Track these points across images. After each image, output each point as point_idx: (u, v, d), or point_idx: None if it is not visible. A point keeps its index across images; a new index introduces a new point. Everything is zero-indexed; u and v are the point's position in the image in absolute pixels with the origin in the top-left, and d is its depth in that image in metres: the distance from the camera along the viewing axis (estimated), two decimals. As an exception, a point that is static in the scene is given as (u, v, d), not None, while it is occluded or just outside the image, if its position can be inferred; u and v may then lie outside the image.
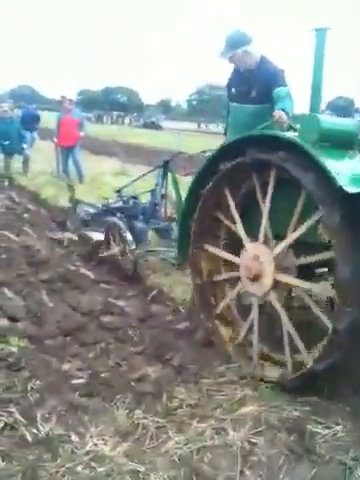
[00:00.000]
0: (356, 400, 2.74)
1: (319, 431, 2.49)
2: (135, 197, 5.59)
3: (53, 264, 4.81)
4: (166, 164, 5.29)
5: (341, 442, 2.43)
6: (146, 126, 47.85)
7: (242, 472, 2.22)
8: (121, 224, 4.89)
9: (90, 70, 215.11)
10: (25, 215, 7.41)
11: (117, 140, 25.39)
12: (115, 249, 4.90)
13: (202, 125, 57.94)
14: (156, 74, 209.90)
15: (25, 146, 11.14)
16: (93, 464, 2.21)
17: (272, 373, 3.00)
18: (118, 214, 5.28)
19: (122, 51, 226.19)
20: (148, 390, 2.73)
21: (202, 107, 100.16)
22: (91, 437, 2.36)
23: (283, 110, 3.66)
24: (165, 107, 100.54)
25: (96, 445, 2.31)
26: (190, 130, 46.14)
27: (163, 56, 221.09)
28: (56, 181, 10.23)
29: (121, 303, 3.97)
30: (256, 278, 3.03)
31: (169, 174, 5.11)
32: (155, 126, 48.16)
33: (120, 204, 5.65)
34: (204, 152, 4.86)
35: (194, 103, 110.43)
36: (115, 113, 61.83)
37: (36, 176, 11.00)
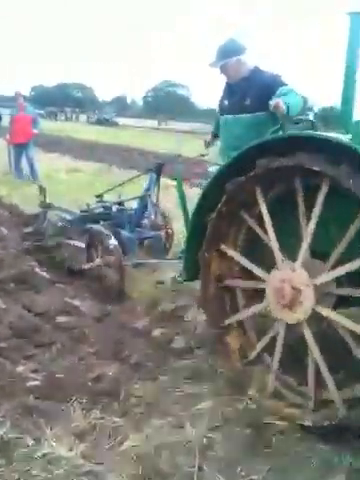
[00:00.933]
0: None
1: (276, 423, 2.53)
2: (120, 203, 5.14)
3: (6, 264, 4.68)
4: (159, 168, 4.83)
5: (297, 433, 2.48)
6: (100, 123, 47.30)
7: (200, 468, 2.23)
8: (105, 232, 4.37)
9: (44, 66, 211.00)
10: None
11: (70, 136, 25.09)
12: (97, 261, 4.38)
13: (162, 123, 57.75)
14: (112, 71, 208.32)
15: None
16: (49, 467, 2.17)
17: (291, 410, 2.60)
18: (101, 222, 4.77)
19: (78, 46, 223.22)
20: (105, 389, 2.71)
21: (157, 104, 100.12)
22: (47, 439, 2.32)
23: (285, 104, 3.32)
24: (120, 104, 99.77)
25: (52, 447, 2.27)
26: (149, 127, 46.08)
27: (121, 53, 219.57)
28: (8, 179, 9.98)
29: (77, 303, 3.91)
30: (289, 305, 2.54)
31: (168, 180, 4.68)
32: (109, 123, 47.69)
33: (101, 210, 5.20)
34: (203, 156, 4.72)
35: (149, 100, 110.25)
36: (68, 109, 60.70)
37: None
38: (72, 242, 4.88)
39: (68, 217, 5.25)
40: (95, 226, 4.59)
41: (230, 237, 2.92)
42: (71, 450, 2.27)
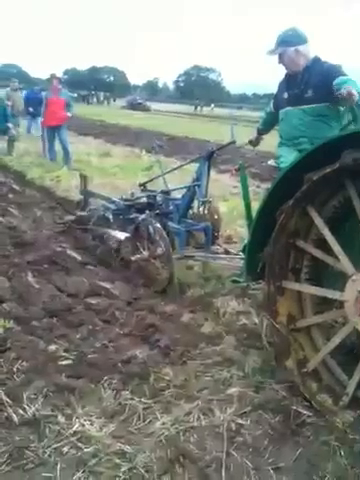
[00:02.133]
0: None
1: (304, 412, 2.51)
2: (167, 192, 4.86)
3: (39, 245, 4.77)
4: (210, 155, 4.48)
5: (325, 423, 2.46)
6: (133, 107, 47.31)
7: (228, 453, 2.24)
8: (154, 222, 4.16)
9: (77, 50, 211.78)
10: (10, 195, 7.31)
11: (103, 120, 25.20)
12: (145, 253, 4.19)
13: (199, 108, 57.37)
14: (143, 55, 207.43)
15: (10, 126, 10.97)
16: (79, 444, 2.21)
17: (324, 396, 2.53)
18: (146, 212, 4.53)
19: (109, 31, 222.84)
20: (135, 371, 2.74)
21: (189, 89, 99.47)
22: (77, 418, 2.36)
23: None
24: (152, 88, 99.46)
25: (83, 426, 2.32)
26: (183, 113, 45.87)
27: (150, 37, 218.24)
28: (42, 162, 10.11)
29: (108, 285, 3.95)
30: None
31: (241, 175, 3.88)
32: (142, 107, 47.66)
33: (146, 200, 4.96)
34: (251, 143, 4.43)
35: (181, 85, 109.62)
36: (101, 93, 60.81)
37: (21, 156, 10.85)
38: (116, 233, 4.72)
39: (111, 206, 5.12)
40: (142, 216, 4.38)
41: (301, 232, 2.67)
42: (101, 429, 2.30)
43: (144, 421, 2.40)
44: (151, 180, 5.29)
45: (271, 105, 4.16)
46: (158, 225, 4.14)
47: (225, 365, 2.94)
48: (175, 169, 5.29)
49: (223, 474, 2.13)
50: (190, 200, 4.59)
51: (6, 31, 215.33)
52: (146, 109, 47.65)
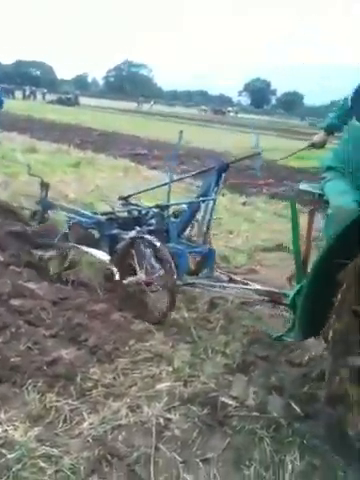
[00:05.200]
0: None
1: (230, 403, 2.57)
2: (163, 207, 4.15)
3: None
4: (223, 169, 3.84)
5: (253, 412, 2.52)
6: (61, 102, 46.26)
7: (157, 448, 2.25)
8: (154, 240, 3.52)
9: (2, 43, 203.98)
10: None
11: (31, 115, 24.45)
12: (141, 275, 3.57)
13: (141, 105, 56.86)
14: (72, 49, 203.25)
15: None
16: (3, 451, 2.13)
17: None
18: (137, 228, 3.87)
19: (38, 24, 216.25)
20: (61, 373, 2.67)
21: (119, 84, 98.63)
22: (0, 424, 2.28)
23: None
24: (81, 83, 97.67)
25: (6, 431, 2.23)
26: (115, 108, 45.34)
27: (81, 31, 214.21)
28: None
29: (32, 286, 3.82)
30: None
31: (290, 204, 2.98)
32: (71, 102, 46.73)
33: (134, 214, 4.31)
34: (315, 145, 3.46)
35: (111, 80, 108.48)
36: (27, 87, 58.87)
37: None
38: (95, 253, 3.94)
39: (82, 219, 4.34)
40: (133, 233, 3.76)
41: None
42: (25, 434, 2.23)
43: (71, 422, 2.35)
44: (136, 194, 4.63)
45: (349, 99, 3.08)
46: (159, 243, 3.49)
47: (154, 361, 2.95)
48: (177, 180, 4.55)
49: (151, 469, 2.13)
50: (190, 218, 4.04)
51: None
52: (75, 104, 46.78)
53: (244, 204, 8.21)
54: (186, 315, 3.58)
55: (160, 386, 2.69)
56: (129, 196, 4.56)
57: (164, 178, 9.73)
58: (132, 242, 3.68)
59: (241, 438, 2.37)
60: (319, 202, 2.94)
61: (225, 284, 3.72)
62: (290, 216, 2.85)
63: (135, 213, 4.33)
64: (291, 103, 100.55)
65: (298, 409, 2.55)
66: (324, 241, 2.67)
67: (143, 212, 4.31)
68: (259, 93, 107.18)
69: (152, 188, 4.54)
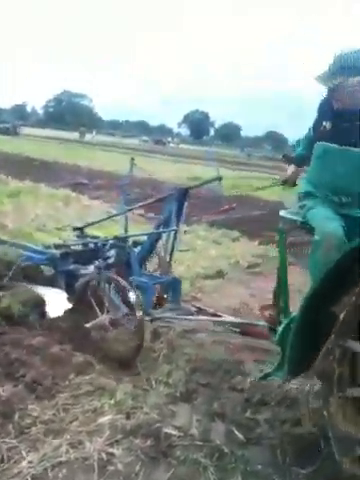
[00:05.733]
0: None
1: (174, 433, 2.56)
2: (120, 239, 3.89)
3: None
4: (183, 194, 3.73)
5: (195, 442, 2.52)
6: (0, 132, 45.38)
7: (99, 483, 2.20)
8: (117, 278, 3.28)
9: None
10: None
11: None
12: (103, 317, 3.30)
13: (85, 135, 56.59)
14: (9, 77, 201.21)
15: None
16: None
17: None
18: (96, 262, 3.62)
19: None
20: (-2, 410, 2.57)
21: (60, 114, 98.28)
22: None
23: None
24: (20, 112, 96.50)
25: None
26: (64, 139, 44.95)
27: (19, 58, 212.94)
28: None
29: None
30: None
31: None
32: (9, 132, 45.91)
33: (90, 246, 4.07)
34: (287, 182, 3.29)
35: (51, 110, 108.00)
36: None
37: None
38: (50, 293, 3.65)
39: (33, 255, 4.04)
40: (96, 271, 3.47)
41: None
42: None
43: (9, 462, 2.25)
44: (91, 224, 4.45)
45: (311, 128, 3.10)
46: (120, 279, 3.27)
47: (96, 394, 2.89)
48: (134, 208, 4.45)
49: (94, 507, 2.08)
50: (150, 249, 3.89)
51: None
52: (14, 133, 45.99)
53: (185, 232, 8.33)
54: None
55: (102, 420, 2.63)
56: (84, 226, 4.39)
57: (106, 208, 9.79)
58: (90, 280, 3.40)
59: (185, 468, 2.35)
60: (296, 229, 2.89)
61: (195, 317, 3.60)
62: (277, 247, 2.82)
63: (91, 245, 4.10)
64: (229, 134, 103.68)
65: (240, 435, 2.57)
66: (310, 268, 2.68)
67: (100, 244, 4.07)
68: (198, 124, 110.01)
69: (108, 218, 4.47)
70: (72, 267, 3.85)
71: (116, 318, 3.28)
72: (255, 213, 10.65)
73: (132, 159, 4.10)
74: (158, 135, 77.81)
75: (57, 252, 4.03)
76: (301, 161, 3.23)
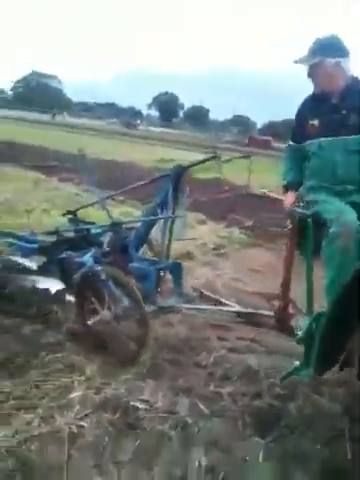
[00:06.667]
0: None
1: (141, 406, 2.68)
2: (117, 224, 3.58)
3: None
4: (179, 173, 3.49)
5: (160, 414, 2.65)
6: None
7: (70, 455, 2.31)
8: (120, 275, 3.09)
9: None
10: None
11: None
12: (106, 314, 3.10)
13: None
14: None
15: None
16: None
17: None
18: (92, 249, 3.40)
19: None
20: (-29, 387, 2.65)
21: (29, 95, 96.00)
22: None
23: None
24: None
25: None
26: (34, 120, 43.98)
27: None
28: None
29: None
30: None
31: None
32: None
33: (84, 233, 3.82)
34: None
35: (20, 91, 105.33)
36: None
37: None
38: (47, 283, 3.40)
39: (24, 244, 3.81)
40: (88, 257, 3.28)
41: None
42: None
43: (-18, 436, 2.35)
44: (86, 206, 4.30)
45: (290, 142, 3.30)
46: (122, 275, 3.11)
47: (66, 371, 3.00)
48: (114, 195, 4.42)
49: (65, 476, 2.19)
50: (146, 234, 3.63)
51: None
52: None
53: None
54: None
55: (73, 395, 2.74)
56: (76, 210, 4.17)
57: (76, 190, 9.76)
58: (88, 273, 3.20)
59: (151, 439, 2.49)
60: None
61: (203, 306, 3.46)
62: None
63: (85, 232, 3.87)
64: (197, 117, 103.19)
65: (204, 408, 2.72)
66: (326, 260, 2.70)
67: (95, 232, 3.85)
68: (166, 106, 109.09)
69: (93, 203, 4.20)
70: (65, 255, 3.63)
71: (118, 312, 3.11)
72: (221, 196, 10.81)
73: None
74: (127, 117, 76.85)
75: (48, 240, 3.85)
76: (294, 185, 3.27)
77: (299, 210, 2.86)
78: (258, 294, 3.58)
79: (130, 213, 7.67)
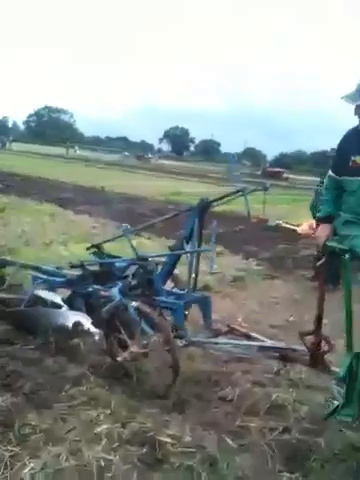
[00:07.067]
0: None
1: (168, 441, 2.66)
2: (142, 259, 3.53)
3: None
4: (205, 208, 3.53)
5: (188, 449, 2.62)
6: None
7: (99, 489, 2.29)
8: (145, 306, 3.06)
9: None
10: None
11: None
12: (134, 349, 3.06)
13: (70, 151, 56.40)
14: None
15: None
16: None
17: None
18: (118, 283, 3.42)
19: None
20: (-1, 420, 2.65)
21: (41, 130, 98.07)
22: None
23: None
24: (1, 128, 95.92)
25: None
26: (37, 153, 44.78)
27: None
28: None
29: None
30: None
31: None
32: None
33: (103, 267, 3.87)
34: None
35: (32, 125, 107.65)
36: None
37: None
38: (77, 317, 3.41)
39: (50, 278, 3.87)
40: (115, 291, 3.26)
41: None
42: (-34, 483, 2.20)
43: (12, 469, 2.34)
44: (111, 240, 4.28)
45: (330, 172, 3.27)
46: (151, 311, 3.06)
47: (92, 405, 2.99)
48: (138, 230, 4.54)
49: (95, 511, 2.17)
50: (172, 268, 3.65)
51: None
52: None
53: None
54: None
55: (99, 429, 2.73)
56: (100, 244, 4.16)
57: (92, 223, 9.86)
58: (117, 307, 3.15)
59: (179, 475, 2.45)
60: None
61: (237, 341, 3.39)
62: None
63: (112, 266, 3.87)
64: (208, 150, 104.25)
65: (232, 443, 2.69)
66: None
67: (119, 265, 3.85)
68: (179, 139, 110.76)
69: (119, 237, 4.16)
70: (92, 289, 3.65)
71: (146, 348, 3.09)
72: (236, 228, 10.83)
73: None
74: (139, 150, 77.85)
75: (73, 274, 3.86)
76: (329, 218, 3.22)
77: (335, 244, 2.84)
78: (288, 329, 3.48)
79: (145, 244, 7.73)
